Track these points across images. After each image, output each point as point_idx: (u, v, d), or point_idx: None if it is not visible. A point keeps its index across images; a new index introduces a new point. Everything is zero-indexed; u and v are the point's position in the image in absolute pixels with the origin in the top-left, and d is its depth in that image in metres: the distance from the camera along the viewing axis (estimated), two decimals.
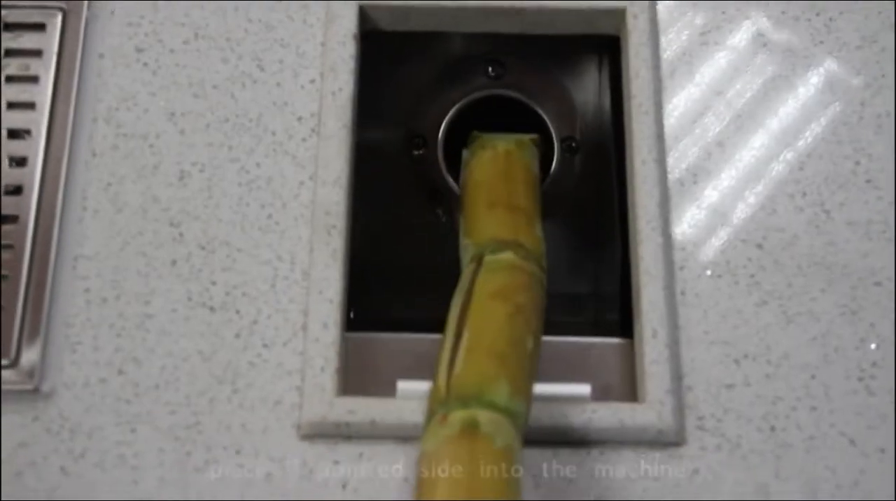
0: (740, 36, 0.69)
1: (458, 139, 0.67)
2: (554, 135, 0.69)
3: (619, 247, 0.65)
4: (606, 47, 0.70)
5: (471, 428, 0.47)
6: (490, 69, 0.70)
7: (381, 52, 0.70)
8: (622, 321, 0.63)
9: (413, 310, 0.64)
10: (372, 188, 0.66)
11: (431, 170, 0.68)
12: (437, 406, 0.49)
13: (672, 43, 0.69)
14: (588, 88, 0.70)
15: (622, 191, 0.66)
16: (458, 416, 0.47)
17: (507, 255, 0.56)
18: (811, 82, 0.67)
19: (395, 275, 0.65)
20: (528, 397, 0.51)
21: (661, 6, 0.69)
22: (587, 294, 0.65)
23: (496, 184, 0.62)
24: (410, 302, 0.65)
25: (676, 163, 0.65)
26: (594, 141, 0.69)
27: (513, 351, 0.51)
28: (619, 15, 0.68)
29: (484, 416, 0.47)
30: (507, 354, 0.51)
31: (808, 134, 0.66)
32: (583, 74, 0.71)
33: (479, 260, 0.56)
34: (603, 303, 0.65)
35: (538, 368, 0.53)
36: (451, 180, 0.67)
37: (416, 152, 0.68)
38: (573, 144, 0.69)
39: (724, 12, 0.69)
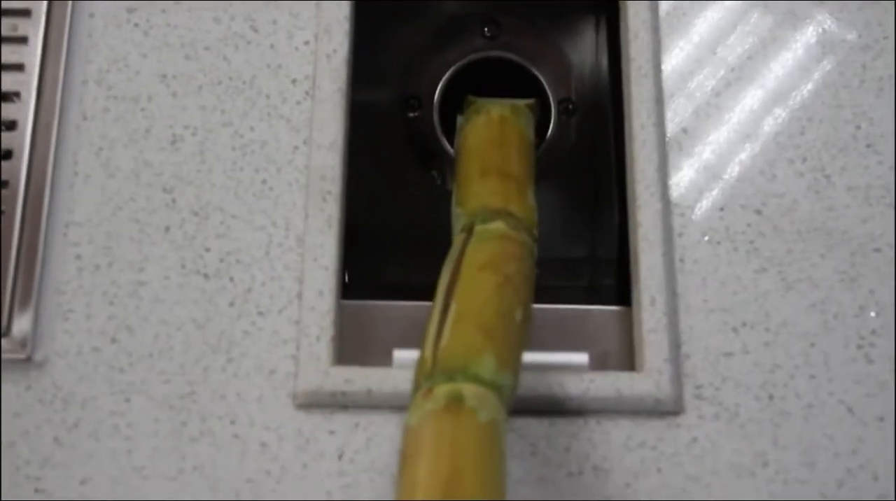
0: None
1: (455, 100, 0.67)
2: (551, 97, 0.68)
3: (617, 211, 0.65)
4: (603, 7, 0.70)
5: (455, 403, 0.46)
6: (486, 29, 0.70)
7: (376, 13, 0.68)
8: (619, 286, 0.63)
9: (408, 274, 0.64)
10: (367, 150, 0.66)
11: (427, 132, 0.67)
12: (423, 379, 0.48)
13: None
14: (585, 49, 0.69)
15: (619, 153, 0.65)
16: (442, 390, 0.47)
17: (498, 225, 0.55)
18: (811, 44, 0.66)
19: (391, 238, 0.65)
20: (516, 370, 0.50)
21: None
22: (584, 258, 0.65)
23: (489, 150, 0.62)
24: (406, 265, 0.64)
25: (675, 127, 0.64)
26: (591, 103, 0.68)
27: (500, 323, 0.50)
28: None
29: (469, 390, 0.46)
30: (494, 326, 0.50)
31: (808, 97, 0.65)
32: (579, 35, 0.70)
33: (469, 230, 0.55)
34: (600, 268, 0.64)
35: (530, 337, 0.52)
36: (446, 142, 0.66)
37: (411, 114, 0.68)
38: (570, 106, 0.68)
39: None
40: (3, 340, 0.58)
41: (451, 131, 0.66)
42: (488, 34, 0.70)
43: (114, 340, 0.58)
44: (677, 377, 0.58)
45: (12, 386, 0.57)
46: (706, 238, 0.62)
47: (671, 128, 0.64)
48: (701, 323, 0.60)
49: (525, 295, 0.53)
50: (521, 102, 0.64)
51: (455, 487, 0.43)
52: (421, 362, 0.49)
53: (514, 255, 0.54)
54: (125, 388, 0.57)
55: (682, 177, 0.63)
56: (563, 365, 0.58)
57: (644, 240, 0.61)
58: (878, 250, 0.61)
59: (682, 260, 0.61)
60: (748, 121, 0.65)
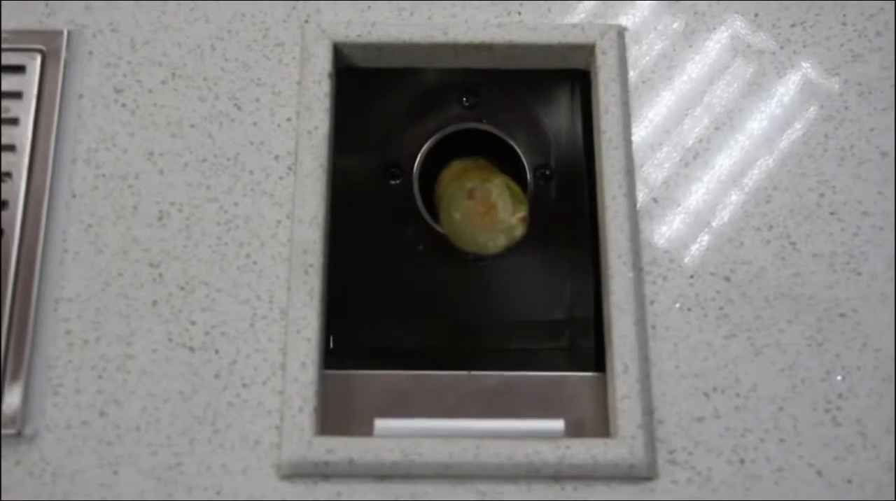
0: (710, 61, 0.70)
1: (434, 168, 0.69)
2: (526, 164, 0.70)
3: (593, 273, 0.66)
4: (578, 77, 0.72)
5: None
6: (464, 99, 0.72)
7: (357, 87, 0.71)
8: (597, 347, 0.64)
9: (390, 337, 0.65)
10: (349, 217, 0.68)
11: (407, 200, 0.69)
12: None
13: (641, 72, 0.70)
14: (561, 116, 0.71)
15: (595, 214, 0.68)
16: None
17: None
18: (775, 115, 0.69)
19: (373, 303, 0.66)
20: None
21: (629, 39, 0.70)
22: (562, 319, 0.66)
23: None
24: (388, 328, 0.66)
25: (645, 197, 0.66)
26: (568, 167, 0.70)
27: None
28: (588, 51, 0.70)
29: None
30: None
31: (773, 167, 0.67)
32: (555, 103, 0.72)
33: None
34: (578, 329, 0.66)
35: None
36: (425, 210, 0.68)
37: (392, 181, 0.69)
38: (547, 172, 0.70)
39: (690, 45, 0.71)
40: None
41: (430, 198, 0.68)
42: (467, 104, 0.71)
43: (102, 413, 0.60)
44: (650, 443, 0.60)
45: (2, 460, 0.59)
46: (677, 305, 0.63)
47: (642, 197, 0.66)
48: (673, 388, 0.61)
49: None
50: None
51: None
52: None
53: None
54: (113, 461, 0.59)
55: (654, 246, 0.65)
56: (539, 431, 0.60)
57: (616, 307, 0.62)
58: (843, 315, 0.63)
59: (654, 327, 0.63)
60: (716, 190, 0.67)
